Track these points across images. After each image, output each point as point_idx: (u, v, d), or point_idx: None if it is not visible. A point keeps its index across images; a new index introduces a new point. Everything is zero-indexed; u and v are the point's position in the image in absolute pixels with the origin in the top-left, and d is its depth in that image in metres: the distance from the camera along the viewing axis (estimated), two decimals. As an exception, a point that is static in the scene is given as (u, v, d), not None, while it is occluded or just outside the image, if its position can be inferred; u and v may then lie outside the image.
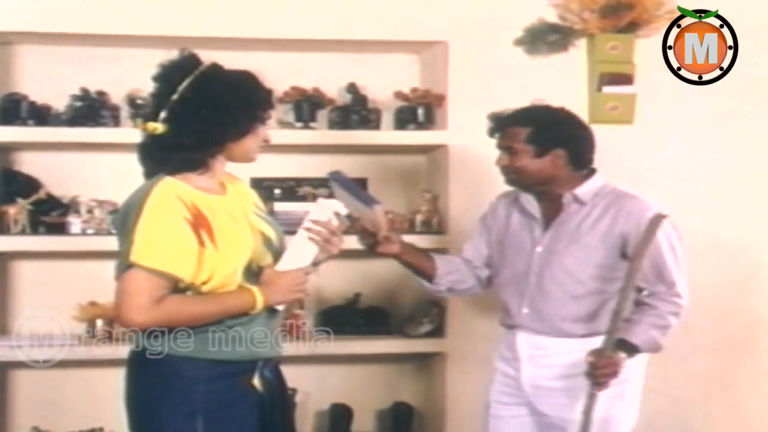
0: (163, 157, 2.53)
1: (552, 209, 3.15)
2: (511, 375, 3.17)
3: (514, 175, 3.14)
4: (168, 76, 2.55)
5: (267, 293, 2.53)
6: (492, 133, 3.19)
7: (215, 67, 2.59)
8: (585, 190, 3.11)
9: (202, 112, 2.50)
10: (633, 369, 3.03)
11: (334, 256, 2.68)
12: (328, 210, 2.65)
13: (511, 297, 3.18)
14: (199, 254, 2.45)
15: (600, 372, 2.90)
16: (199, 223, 2.47)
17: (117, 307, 2.47)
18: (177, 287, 2.46)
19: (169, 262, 2.42)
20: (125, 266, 2.43)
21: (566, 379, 3.06)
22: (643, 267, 2.96)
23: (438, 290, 3.31)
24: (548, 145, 3.09)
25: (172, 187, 2.48)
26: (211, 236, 2.47)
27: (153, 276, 2.41)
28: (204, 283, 2.47)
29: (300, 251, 2.61)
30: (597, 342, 2.96)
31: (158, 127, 2.52)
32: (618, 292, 2.97)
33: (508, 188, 3.26)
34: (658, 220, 2.94)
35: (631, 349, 2.96)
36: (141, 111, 3.69)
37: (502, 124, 3.16)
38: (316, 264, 2.64)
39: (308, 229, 2.62)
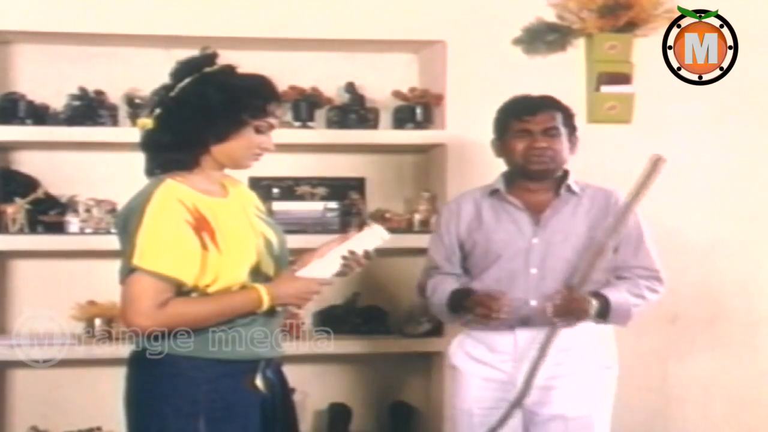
0: (150, 154, 2.52)
1: (538, 200, 3.09)
2: (497, 378, 3.05)
3: (548, 159, 3.04)
4: (176, 73, 2.51)
5: (274, 292, 2.50)
6: (528, 113, 3.04)
7: (224, 68, 2.53)
8: (572, 180, 3.11)
9: (183, 111, 2.46)
10: (614, 357, 3.07)
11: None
12: (376, 236, 2.62)
13: (512, 293, 3.00)
14: (202, 257, 2.42)
15: (570, 305, 2.91)
16: (201, 226, 2.43)
17: (122, 312, 2.45)
18: (181, 290, 2.43)
19: (171, 266, 2.39)
20: (128, 270, 2.41)
21: (567, 377, 3.01)
22: (625, 253, 3.03)
23: None
24: (572, 131, 3.10)
25: (173, 190, 2.45)
26: (214, 239, 2.44)
27: (156, 280, 2.38)
28: (208, 285, 2.44)
29: (328, 263, 2.58)
30: (601, 329, 3.02)
31: (147, 122, 2.50)
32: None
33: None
34: (658, 162, 2.94)
35: (603, 304, 2.96)
36: (140, 110, 3.69)
37: (543, 106, 3.06)
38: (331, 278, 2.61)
39: (351, 252, 2.58)
